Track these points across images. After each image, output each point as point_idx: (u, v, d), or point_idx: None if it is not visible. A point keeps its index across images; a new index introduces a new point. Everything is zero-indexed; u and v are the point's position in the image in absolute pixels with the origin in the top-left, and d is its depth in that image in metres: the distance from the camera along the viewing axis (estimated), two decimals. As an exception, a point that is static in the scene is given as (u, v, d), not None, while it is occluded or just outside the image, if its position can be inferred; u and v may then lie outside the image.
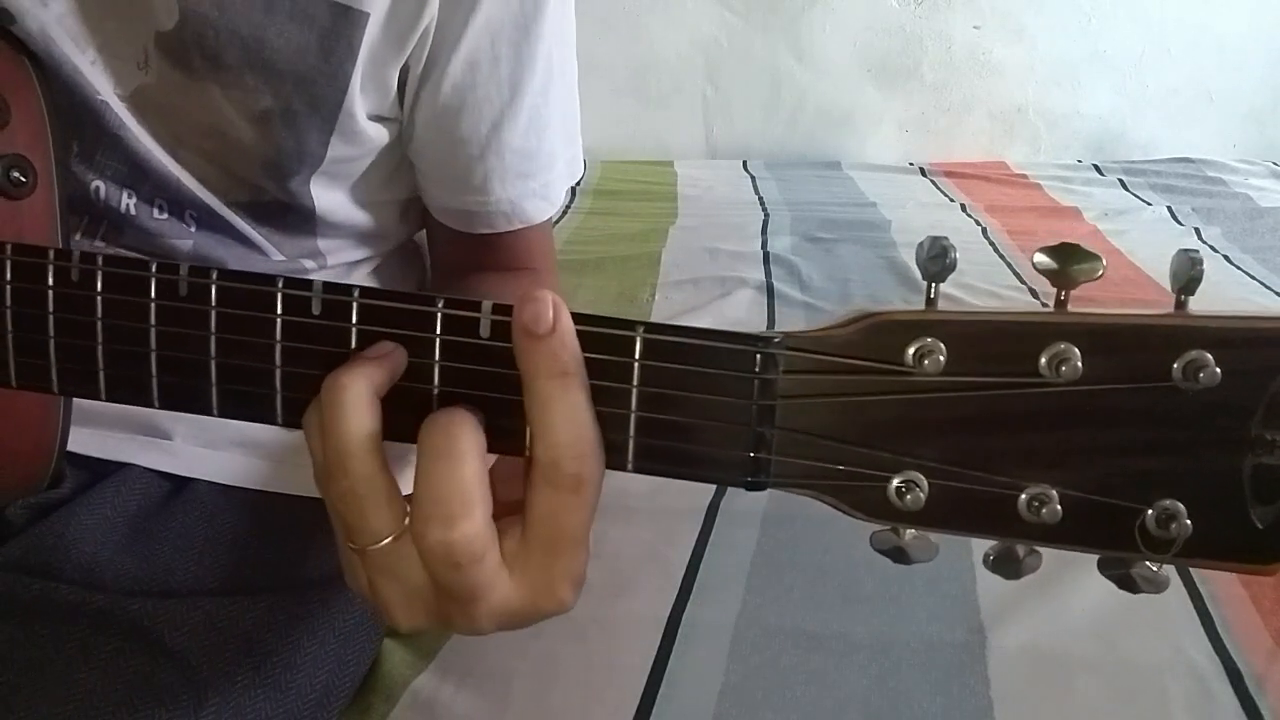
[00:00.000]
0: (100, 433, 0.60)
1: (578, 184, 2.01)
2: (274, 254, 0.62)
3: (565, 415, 0.32)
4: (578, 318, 0.33)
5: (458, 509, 0.32)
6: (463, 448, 0.32)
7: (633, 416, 0.33)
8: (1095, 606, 0.74)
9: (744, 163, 2.26)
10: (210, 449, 0.61)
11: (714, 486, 0.90)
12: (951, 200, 1.98)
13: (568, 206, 1.87)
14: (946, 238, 0.31)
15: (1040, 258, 0.30)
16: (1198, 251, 0.29)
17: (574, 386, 0.32)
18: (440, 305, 0.34)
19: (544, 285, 0.69)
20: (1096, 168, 2.23)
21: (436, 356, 0.34)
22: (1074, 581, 0.75)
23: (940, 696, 0.67)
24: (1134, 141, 2.43)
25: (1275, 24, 2.37)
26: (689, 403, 0.33)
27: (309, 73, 0.55)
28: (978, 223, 1.79)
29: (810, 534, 0.84)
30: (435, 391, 0.34)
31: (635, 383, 0.33)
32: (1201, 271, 0.29)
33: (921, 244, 0.31)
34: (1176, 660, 0.71)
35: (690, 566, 0.80)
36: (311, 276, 0.66)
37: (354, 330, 0.34)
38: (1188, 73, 2.40)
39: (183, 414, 0.61)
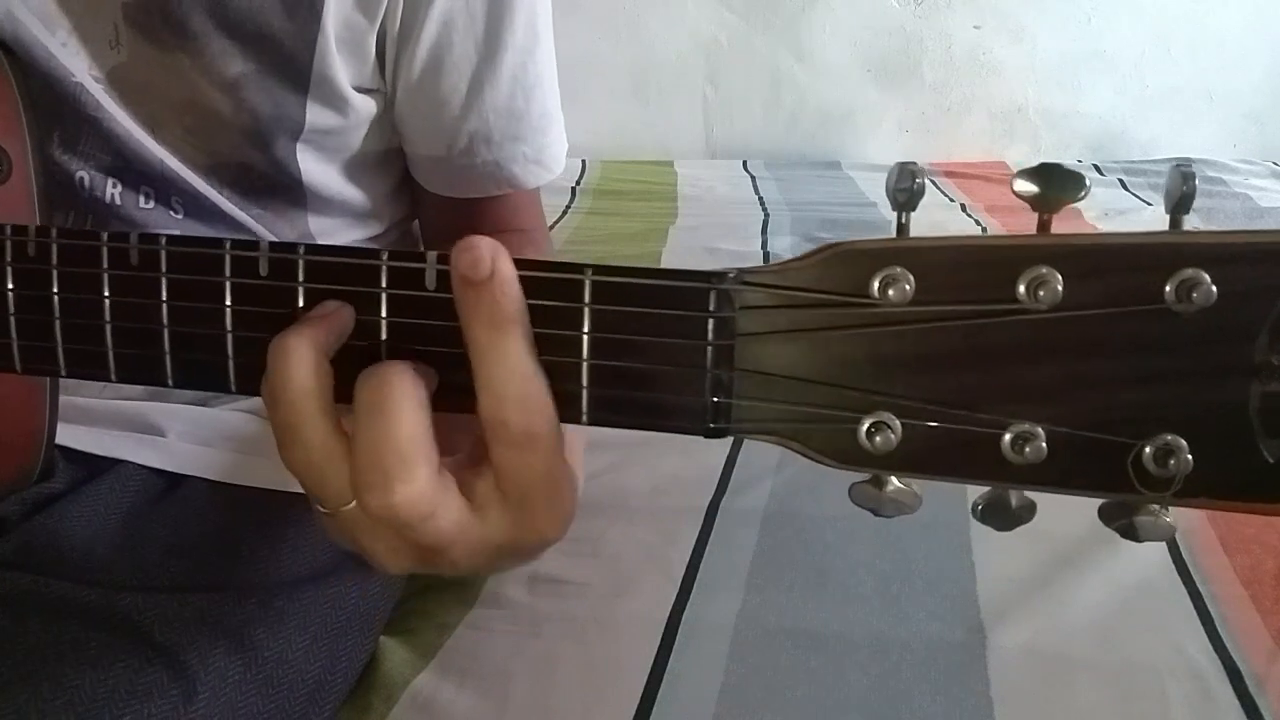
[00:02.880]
0: (94, 430, 0.60)
1: (577, 184, 2.01)
2: (266, 237, 0.62)
3: (507, 367, 0.30)
4: (522, 263, 0.31)
5: (395, 470, 0.30)
6: (395, 404, 0.30)
7: (584, 365, 0.32)
8: (1095, 606, 0.74)
9: (744, 163, 2.26)
10: (203, 446, 0.61)
11: (714, 485, 0.90)
12: (951, 200, 1.98)
13: (567, 206, 1.87)
14: (914, 163, 0.29)
15: (1020, 183, 0.27)
16: (1189, 164, 0.27)
17: (515, 335, 0.30)
18: (385, 258, 0.33)
19: (537, 246, 0.69)
20: (1096, 167, 2.23)
21: (383, 311, 0.33)
22: (1074, 581, 0.75)
23: (940, 696, 0.67)
24: (1134, 141, 2.43)
25: (1275, 24, 2.37)
26: (643, 347, 0.31)
27: (276, 33, 0.54)
28: (978, 223, 1.79)
29: (810, 534, 0.84)
30: (384, 348, 0.33)
31: (586, 329, 0.31)
32: (1194, 188, 0.27)
33: (890, 171, 0.29)
34: (1176, 660, 0.71)
35: (690, 566, 0.80)
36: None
37: (301, 289, 0.33)
38: (1188, 73, 2.40)
39: (176, 411, 0.61)
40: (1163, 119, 2.42)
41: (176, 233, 0.58)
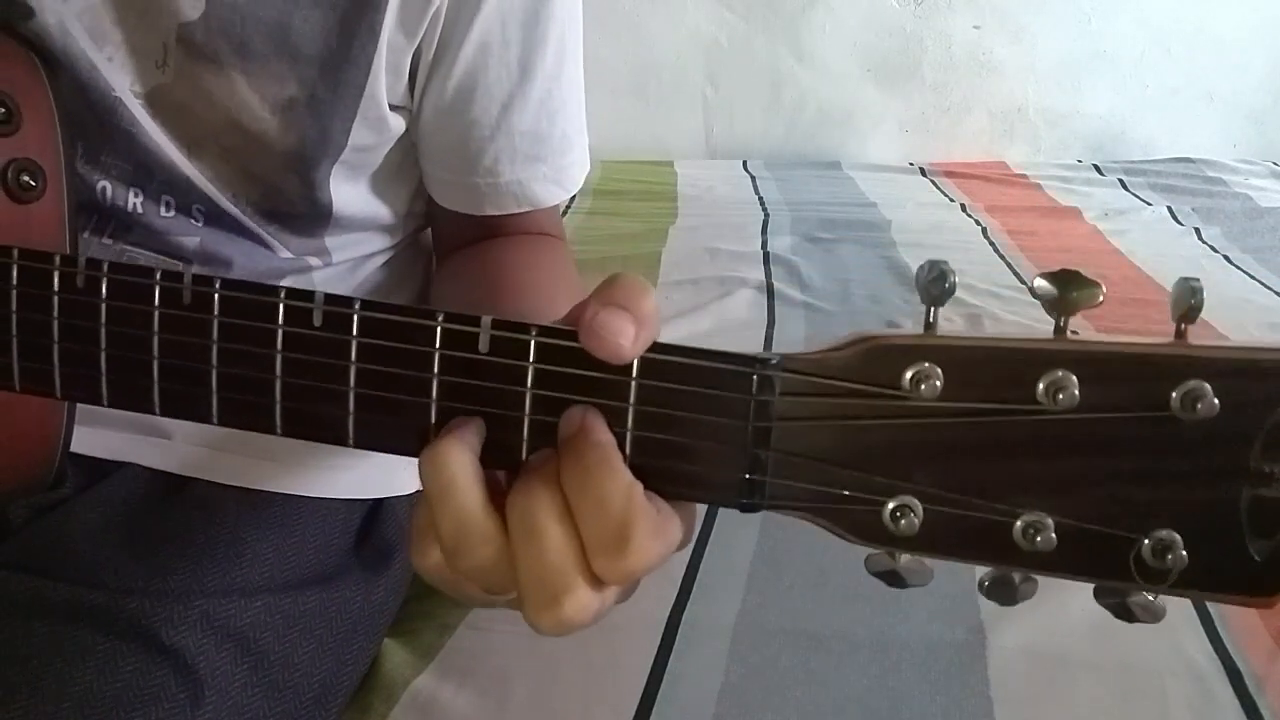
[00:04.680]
0: (100, 432, 0.60)
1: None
2: (281, 250, 0.62)
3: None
4: (574, 335, 0.32)
5: (558, 585, 0.31)
6: (542, 524, 0.31)
7: (629, 436, 0.33)
8: (1095, 607, 0.74)
9: (744, 163, 2.26)
10: (210, 448, 0.61)
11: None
12: (951, 200, 1.98)
13: (568, 207, 1.87)
14: (946, 262, 0.30)
15: (1040, 283, 0.29)
16: (1198, 280, 0.28)
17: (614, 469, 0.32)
18: (440, 319, 0.34)
19: (556, 251, 0.69)
20: (1096, 168, 2.23)
21: (435, 370, 0.34)
22: (1074, 582, 0.75)
23: (940, 696, 0.67)
24: (1134, 141, 2.43)
25: (1275, 24, 2.37)
26: (685, 423, 0.33)
27: (333, 58, 0.55)
28: (978, 223, 1.79)
29: (810, 534, 0.83)
30: (435, 407, 0.34)
31: (632, 401, 0.33)
32: (1202, 301, 0.28)
33: (921, 267, 0.31)
34: (1176, 660, 0.71)
35: (690, 566, 0.80)
36: (316, 273, 0.66)
37: (354, 343, 0.34)
38: (1188, 73, 2.40)
39: (182, 414, 0.61)
40: (1163, 119, 2.43)
41: (197, 240, 0.59)
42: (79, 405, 0.58)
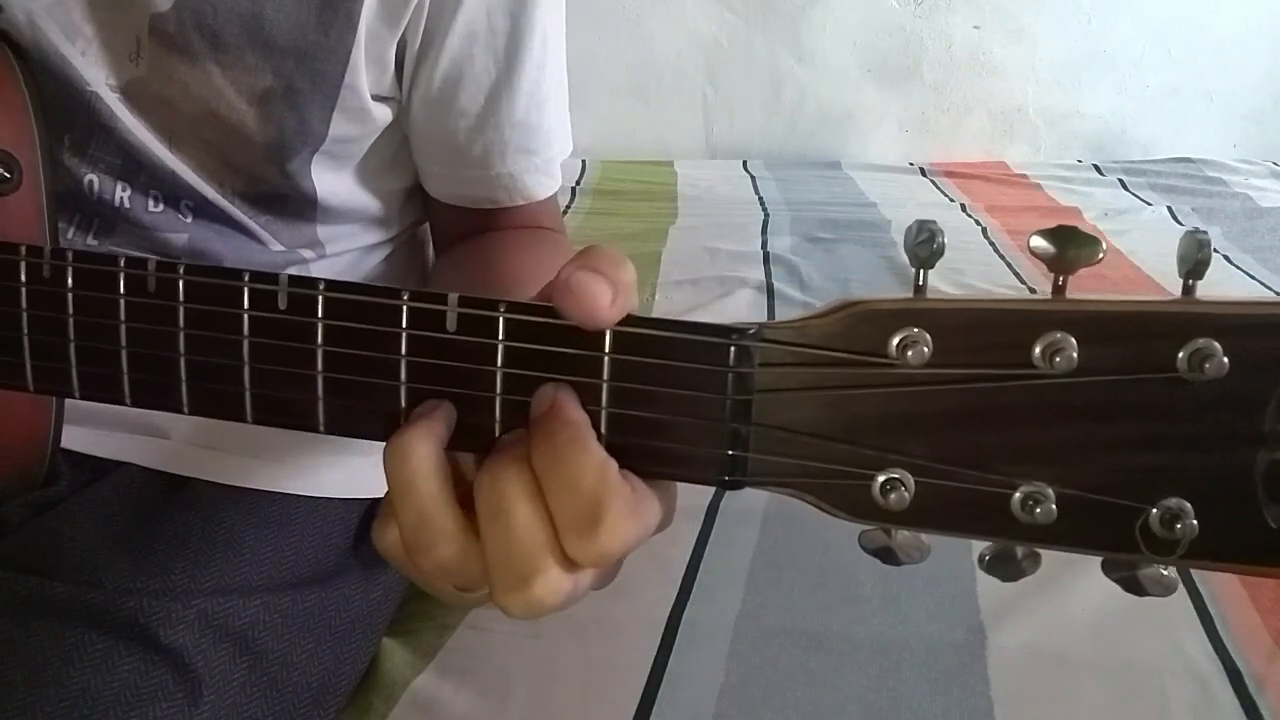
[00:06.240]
0: (98, 431, 0.60)
1: (577, 184, 2.01)
2: (272, 244, 0.62)
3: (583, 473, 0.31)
4: (544, 310, 0.31)
5: (527, 567, 0.30)
6: (512, 502, 0.30)
7: (604, 413, 0.32)
8: (1095, 607, 0.74)
9: (744, 163, 2.26)
10: (207, 448, 0.61)
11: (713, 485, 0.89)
12: (951, 200, 1.98)
13: (568, 207, 1.87)
14: (934, 221, 0.29)
15: (1037, 241, 0.28)
16: (1205, 233, 0.27)
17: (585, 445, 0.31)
18: (405, 299, 0.33)
19: (555, 242, 0.69)
20: (1096, 168, 2.23)
21: (403, 351, 0.33)
22: (1074, 581, 0.75)
23: (940, 696, 0.67)
24: (1134, 141, 2.43)
25: (1275, 24, 2.37)
26: (662, 398, 0.31)
27: (309, 48, 0.55)
28: (978, 223, 1.79)
29: (810, 534, 0.84)
30: (404, 388, 0.33)
31: (606, 377, 0.31)
32: (1210, 254, 0.27)
33: (909, 228, 0.29)
34: (1176, 660, 0.71)
35: (690, 566, 0.80)
36: (313, 266, 0.66)
37: (319, 325, 0.33)
38: (1188, 73, 2.40)
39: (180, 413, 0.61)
40: (1163, 119, 2.42)
41: (185, 236, 0.58)
42: (75, 405, 0.58)
